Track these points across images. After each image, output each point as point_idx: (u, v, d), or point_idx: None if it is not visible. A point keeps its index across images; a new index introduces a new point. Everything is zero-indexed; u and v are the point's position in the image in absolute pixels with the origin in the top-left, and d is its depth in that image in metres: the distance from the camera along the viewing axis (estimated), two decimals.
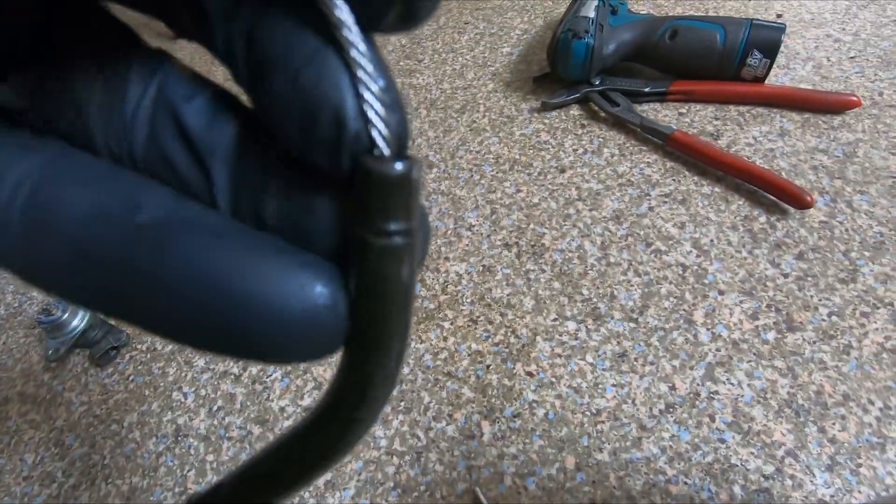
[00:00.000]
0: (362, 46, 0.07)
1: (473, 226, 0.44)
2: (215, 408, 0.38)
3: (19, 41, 0.09)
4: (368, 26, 0.08)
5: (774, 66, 0.45)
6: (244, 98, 0.09)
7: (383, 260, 0.08)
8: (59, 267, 0.08)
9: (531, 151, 0.48)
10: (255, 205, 0.09)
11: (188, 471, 0.35)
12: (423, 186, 0.07)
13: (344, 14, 0.07)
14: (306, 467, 0.10)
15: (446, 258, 0.42)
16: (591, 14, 0.48)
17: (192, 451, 0.36)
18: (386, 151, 0.08)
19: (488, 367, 0.35)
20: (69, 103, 0.09)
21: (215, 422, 0.37)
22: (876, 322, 0.32)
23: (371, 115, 0.07)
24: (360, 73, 0.07)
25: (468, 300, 0.39)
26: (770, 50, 0.44)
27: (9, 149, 0.08)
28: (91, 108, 0.09)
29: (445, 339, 0.37)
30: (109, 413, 0.39)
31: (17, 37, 0.09)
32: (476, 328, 0.37)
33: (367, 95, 0.07)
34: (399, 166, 0.08)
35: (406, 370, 0.36)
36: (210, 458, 0.35)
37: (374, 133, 0.07)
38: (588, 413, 0.32)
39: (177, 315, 0.08)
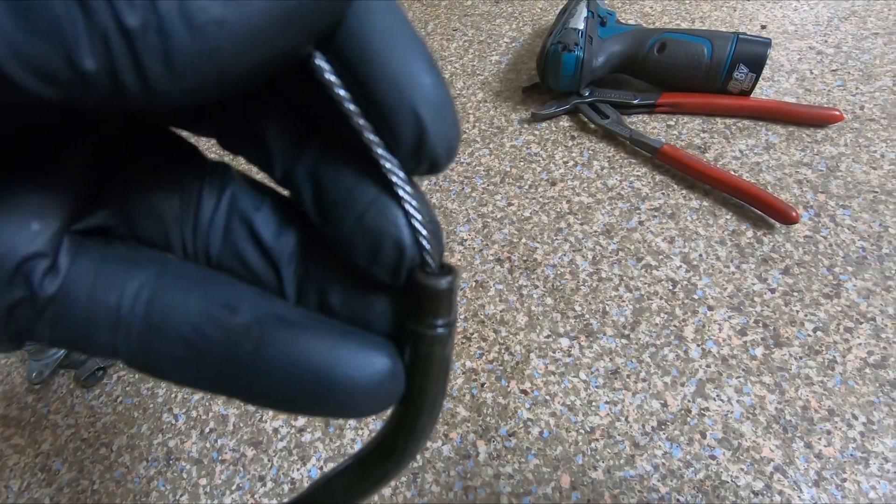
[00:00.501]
0: (409, 188, 0.09)
1: (465, 240, 0.44)
2: (207, 430, 0.37)
3: (106, 164, 0.11)
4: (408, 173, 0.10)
5: (760, 78, 0.45)
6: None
7: (433, 346, 0.10)
8: (173, 360, 0.10)
9: (522, 163, 0.48)
10: (320, 297, 0.11)
11: (181, 495, 0.35)
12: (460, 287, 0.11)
13: (393, 163, 0.09)
14: (366, 488, 0.13)
15: None
16: (581, 26, 0.48)
17: (185, 475, 0.35)
18: (434, 267, 0.10)
19: (483, 385, 0.36)
20: (152, 217, 0.11)
21: (207, 444, 0.36)
22: (859, 337, 0.33)
23: (422, 241, 0.10)
24: (411, 209, 0.09)
25: (461, 317, 0.39)
26: (756, 64, 0.44)
27: (120, 264, 0.10)
28: (170, 219, 0.11)
29: None
30: (97, 436, 0.39)
31: (103, 161, 0.11)
32: (470, 345, 0.38)
33: (417, 226, 0.10)
34: (445, 282, 0.10)
35: None
36: (203, 481, 0.35)
37: (426, 256, 0.10)
38: (582, 431, 0.33)
39: (274, 392, 0.10)
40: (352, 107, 0.09)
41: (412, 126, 0.09)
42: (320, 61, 0.09)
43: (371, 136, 0.09)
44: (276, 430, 0.36)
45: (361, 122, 0.09)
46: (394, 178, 0.09)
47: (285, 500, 0.34)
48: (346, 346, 0.10)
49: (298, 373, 0.10)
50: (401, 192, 0.09)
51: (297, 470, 0.34)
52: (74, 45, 0.06)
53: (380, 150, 0.09)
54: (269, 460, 0.35)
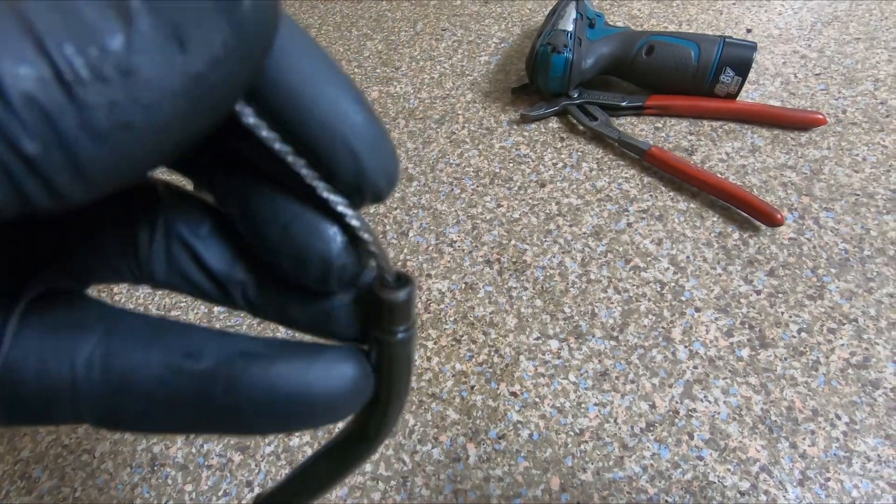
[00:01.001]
0: (351, 211, 0.10)
1: (455, 241, 0.43)
2: (192, 435, 0.36)
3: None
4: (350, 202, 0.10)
5: (745, 81, 0.46)
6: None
7: (396, 350, 0.11)
8: (144, 416, 0.10)
9: (511, 165, 0.48)
10: (280, 310, 0.11)
11: (166, 502, 0.34)
12: (418, 298, 0.12)
13: (330, 190, 0.10)
14: (343, 471, 0.14)
15: (428, 275, 0.42)
16: (570, 27, 0.48)
17: (170, 482, 0.35)
18: (391, 281, 0.11)
19: (472, 387, 0.35)
20: (93, 259, 0.11)
21: (193, 450, 0.36)
22: (842, 338, 0.34)
23: (377, 259, 0.11)
24: (360, 226, 0.10)
25: (451, 319, 0.39)
26: (742, 68, 0.45)
27: (66, 330, 0.10)
28: (112, 256, 0.11)
29: (429, 359, 0.37)
30: (79, 442, 0.38)
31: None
32: (460, 348, 0.37)
33: (367, 243, 0.10)
34: (403, 294, 0.10)
35: None
36: (189, 487, 0.34)
37: (383, 272, 0.11)
38: (572, 433, 0.33)
39: (257, 421, 0.10)
40: (282, 146, 0.09)
41: (350, 165, 0.09)
42: (242, 107, 0.09)
43: (306, 171, 0.09)
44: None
45: (293, 159, 0.09)
46: (333, 202, 0.10)
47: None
48: (316, 364, 0.10)
49: (277, 399, 0.10)
50: (343, 212, 0.10)
51: (286, 475, 0.34)
52: None
53: (315, 182, 0.09)
54: (256, 465, 0.34)
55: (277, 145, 0.09)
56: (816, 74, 0.49)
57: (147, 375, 0.10)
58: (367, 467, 0.33)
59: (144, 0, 0.06)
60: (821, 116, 0.44)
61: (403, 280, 0.11)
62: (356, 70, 0.61)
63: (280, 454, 0.35)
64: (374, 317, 0.11)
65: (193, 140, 0.08)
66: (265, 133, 0.09)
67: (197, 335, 0.10)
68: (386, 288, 0.11)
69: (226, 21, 0.07)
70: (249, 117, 0.09)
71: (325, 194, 0.10)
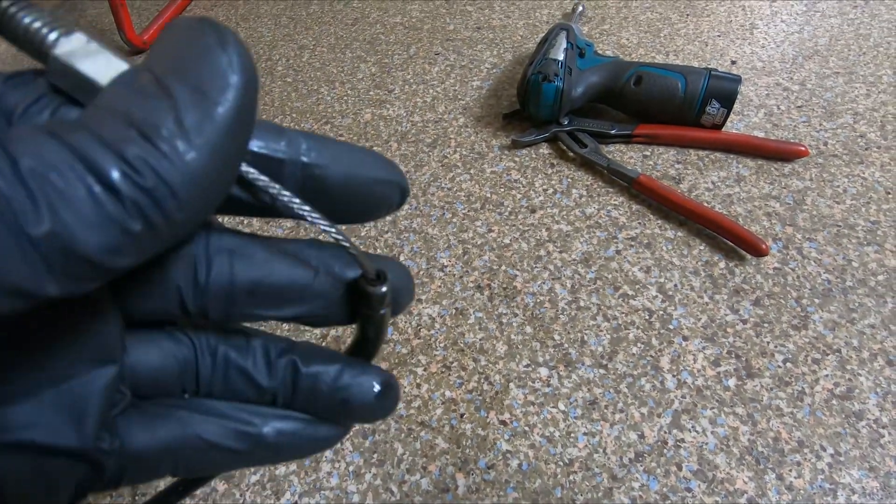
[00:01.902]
0: (341, 235, 0.12)
1: (446, 266, 0.44)
2: None
3: None
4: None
5: (731, 112, 0.47)
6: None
7: (381, 320, 0.14)
8: (221, 467, 0.14)
9: (502, 190, 0.48)
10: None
11: None
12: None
13: (318, 216, 0.12)
14: None
15: (419, 300, 0.42)
16: (560, 57, 0.49)
17: None
18: (373, 276, 0.13)
19: (462, 415, 0.35)
20: (154, 383, 0.14)
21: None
22: (826, 369, 0.34)
23: (357, 263, 0.13)
24: (344, 242, 0.12)
25: (441, 345, 0.39)
26: (727, 100, 0.46)
27: (155, 418, 0.13)
28: (170, 382, 0.14)
29: (419, 385, 0.37)
30: None
31: None
32: (449, 375, 0.37)
33: (350, 250, 0.13)
34: (384, 288, 0.13)
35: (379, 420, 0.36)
36: None
37: (363, 272, 0.13)
38: (561, 463, 0.33)
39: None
40: (267, 183, 0.11)
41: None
42: (244, 166, 0.11)
43: (296, 202, 0.11)
44: None
45: (276, 191, 0.11)
46: (319, 223, 0.12)
47: None
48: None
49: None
50: (326, 230, 0.12)
51: None
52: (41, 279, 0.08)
53: (302, 209, 0.12)
54: (241, 495, 0.34)
55: (261, 182, 0.11)
56: (798, 107, 0.51)
57: (221, 444, 0.13)
58: (355, 498, 0.33)
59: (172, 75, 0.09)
60: (803, 148, 0.45)
61: (382, 277, 0.13)
62: (349, 92, 0.62)
63: (266, 483, 0.34)
64: (362, 302, 0.14)
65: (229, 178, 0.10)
66: (252, 175, 0.11)
67: (250, 411, 0.14)
68: (370, 284, 0.13)
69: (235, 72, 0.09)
70: (247, 168, 0.11)
71: (311, 218, 0.12)
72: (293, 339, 0.14)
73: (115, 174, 0.08)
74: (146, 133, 0.08)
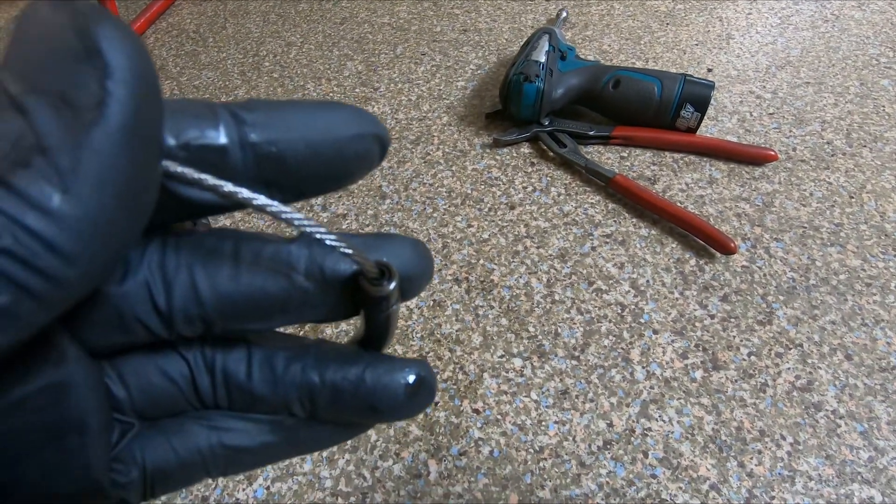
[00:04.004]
0: (330, 236, 0.11)
1: None
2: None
3: None
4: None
5: (705, 117, 0.49)
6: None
7: (389, 317, 0.13)
8: (256, 465, 0.14)
9: (483, 187, 0.49)
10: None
11: None
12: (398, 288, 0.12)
13: (300, 217, 0.10)
14: None
15: None
16: (542, 59, 0.50)
17: None
18: (376, 278, 0.12)
19: (436, 404, 0.36)
20: (154, 398, 0.13)
21: None
22: (788, 362, 0.36)
23: (359, 263, 0.12)
24: (333, 243, 0.11)
25: (418, 335, 0.39)
26: (701, 104, 0.48)
27: (178, 432, 0.13)
28: (177, 396, 0.13)
29: None
30: None
31: None
32: None
33: (345, 251, 0.11)
34: (389, 286, 0.12)
35: None
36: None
37: (367, 272, 0.12)
38: (531, 450, 0.33)
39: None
40: (235, 188, 0.09)
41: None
42: (172, 167, 0.09)
43: (276, 207, 0.10)
44: None
45: (248, 195, 0.10)
46: (306, 227, 0.10)
47: None
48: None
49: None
50: (315, 233, 0.10)
51: (243, 490, 0.33)
52: None
53: (285, 214, 0.10)
54: (213, 480, 0.34)
55: (227, 188, 0.09)
56: (770, 114, 0.53)
57: (253, 446, 0.13)
58: (328, 483, 0.33)
59: (29, 93, 0.07)
60: (773, 153, 0.47)
61: (388, 274, 0.12)
62: (336, 89, 0.62)
63: None
64: (366, 301, 0.12)
65: (142, 215, 0.08)
66: (199, 175, 0.09)
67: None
68: (373, 285, 0.12)
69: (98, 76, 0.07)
70: (176, 167, 0.09)
71: (286, 217, 0.10)
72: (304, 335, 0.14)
73: None
74: None
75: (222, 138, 0.09)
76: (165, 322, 0.11)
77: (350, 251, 0.11)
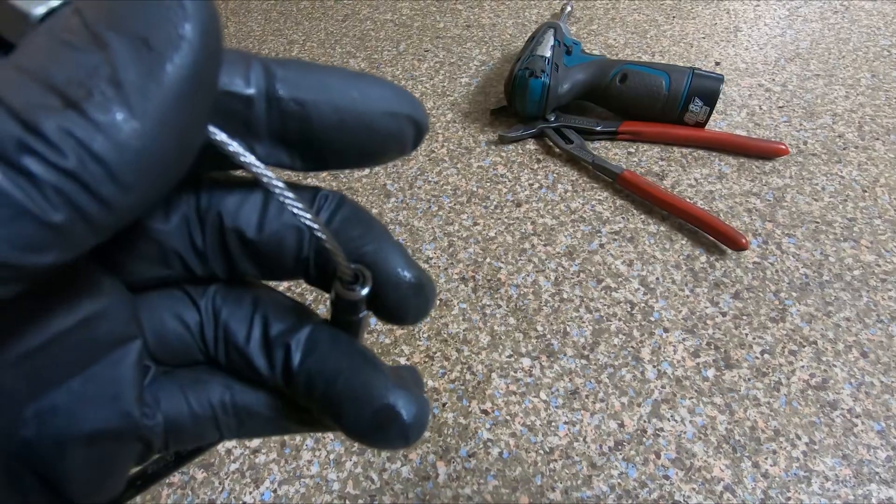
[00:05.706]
0: (322, 230, 0.11)
1: (431, 258, 0.44)
2: None
3: None
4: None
5: (714, 111, 0.48)
6: None
7: (360, 323, 0.13)
8: (267, 430, 0.14)
9: (488, 184, 0.49)
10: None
11: None
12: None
13: (300, 206, 0.10)
14: None
15: None
16: (548, 53, 0.50)
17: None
18: (350, 282, 0.12)
19: (444, 405, 0.35)
20: (174, 346, 0.13)
21: None
22: (802, 360, 0.35)
23: (334, 260, 0.11)
24: (321, 236, 0.11)
25: (425, 335, 0.39)
26: (709, 98, 0.47)
27: (194, 385, 0.13)
28: (193, 345, 0.13)
29: None
30: None
31: None
32: (433, 364, 0.37)
33: (328, 247, 0.11)
34: (362, 292, 0.12)
35: None
36: None
37: (339, 271, 0.12)
38: (541, 452, 0.33)
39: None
40: (252, 161, 0.10)
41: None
42: (218, 135, 0.09)
43: (276, 183, 0.10)
44: (228, 452, 0.35)
45: (259, 171, 0.10)
46: (299, 214, 0.10)
47: None
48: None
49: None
50: (310, 226, 0.10)
51: (250, 493, 0.33)
52: (39, 210, 0.07)
53: (284, 195, 0.10)
54: (220, 483, 0.33)
55: (244, 158, 0.10)
56: (780, 107, 0.52)
57: (263, 407, 0.13)
58: (335, 486, 0.33)
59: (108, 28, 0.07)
60: (783, 147, 0.46)
61: (362, 279, 0.12)
62: None
63: (245, 472, 0.34)
64: (340, 305, 0.12)
65: (192, 140, 0.08)
66: (233, 148, 0.09)
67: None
68: (346, 289, 0.12)
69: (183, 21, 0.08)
70: (218, 135, 0.09)
71: (291, 207, 0.10)
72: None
73: (24, 153, 0.06)
74: (71, 98, 0.07)
75: (250, 88, 0.09)
76: (201, 258, 0.11)
77: (330, 247, 0.11)
